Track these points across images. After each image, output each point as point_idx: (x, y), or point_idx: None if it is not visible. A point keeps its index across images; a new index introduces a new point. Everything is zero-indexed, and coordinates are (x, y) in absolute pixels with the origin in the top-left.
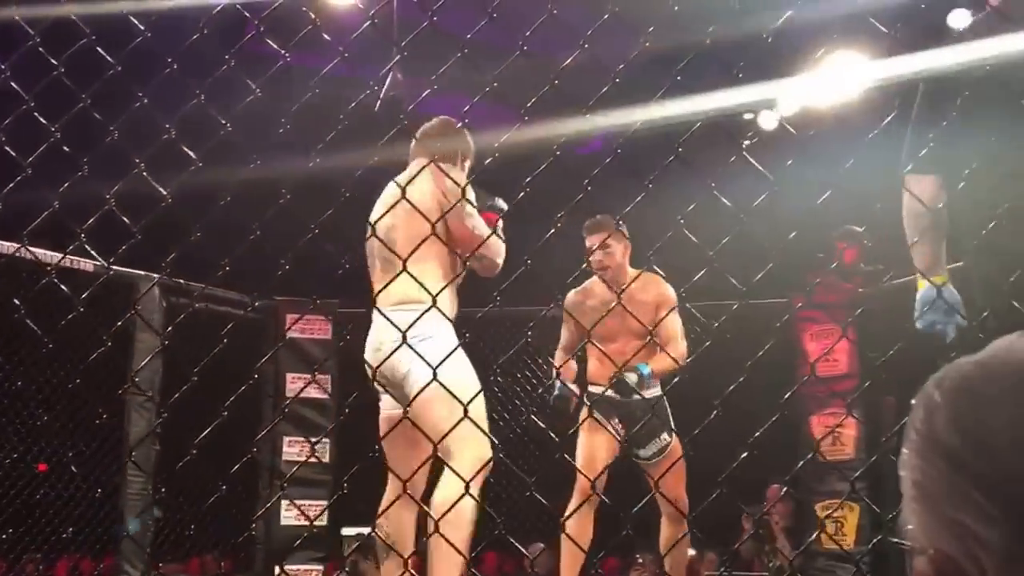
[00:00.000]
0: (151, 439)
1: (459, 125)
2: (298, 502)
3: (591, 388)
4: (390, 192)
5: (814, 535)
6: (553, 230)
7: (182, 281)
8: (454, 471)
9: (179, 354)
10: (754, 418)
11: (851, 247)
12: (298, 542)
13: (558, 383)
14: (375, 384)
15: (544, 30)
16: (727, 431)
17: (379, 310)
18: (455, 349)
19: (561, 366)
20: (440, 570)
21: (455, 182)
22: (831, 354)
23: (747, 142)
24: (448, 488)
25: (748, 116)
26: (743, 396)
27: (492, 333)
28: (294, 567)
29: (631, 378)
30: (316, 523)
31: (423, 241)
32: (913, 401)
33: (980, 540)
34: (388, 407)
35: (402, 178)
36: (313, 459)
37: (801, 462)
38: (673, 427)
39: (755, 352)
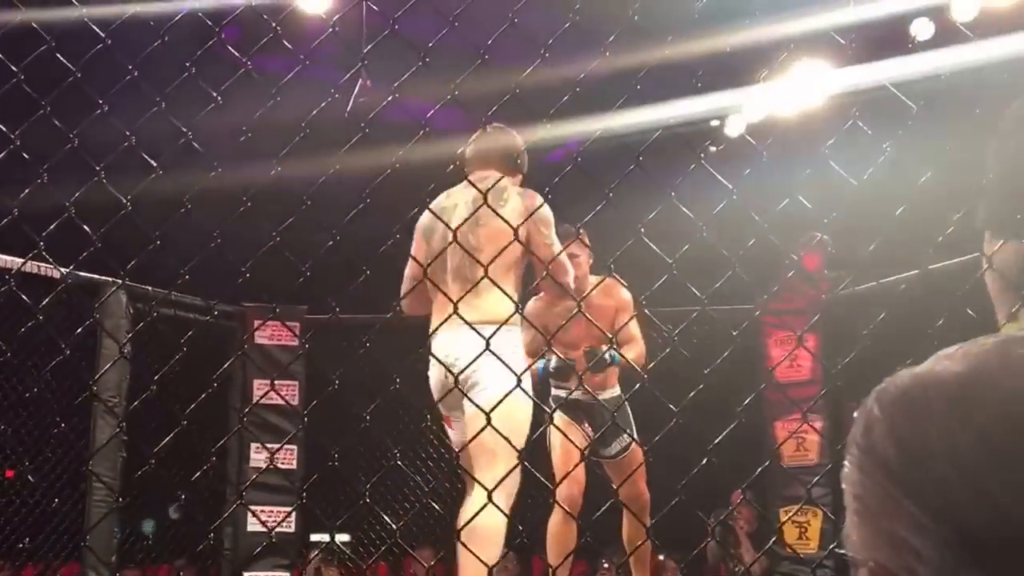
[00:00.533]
0: (117, 446)
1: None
2: (267, 509)
3: (556, 392)
4: (459, 209)
5: (772, 540)
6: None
7: (149, 288)
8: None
9: (148, 361)
10: (725, 424)
11: (813, 253)
12: (258, 550)
13: (552, 358)
14: (440, 405)
15: (511, 40)
16: (699, 438)
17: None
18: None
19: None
20: None
21: (540, 208)
22: (795, 360)
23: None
24: (481, 502)
25: (715, 123)
26: (716, 402)
27: None
28: (259, 574)
29: (604, 352)
30: (283, 530)
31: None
32: (855, 414)
33: (914, 551)
34: (457, 437)
35: (471, 194)
36: (281, 465)
37: (760, 468)
38: (634, 429)
39: (725, 359)
